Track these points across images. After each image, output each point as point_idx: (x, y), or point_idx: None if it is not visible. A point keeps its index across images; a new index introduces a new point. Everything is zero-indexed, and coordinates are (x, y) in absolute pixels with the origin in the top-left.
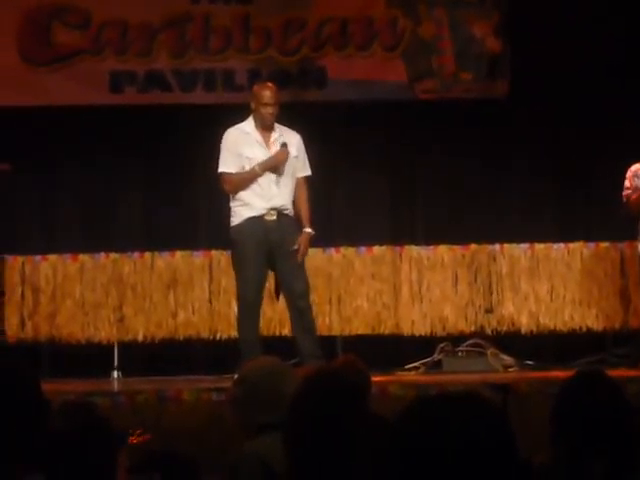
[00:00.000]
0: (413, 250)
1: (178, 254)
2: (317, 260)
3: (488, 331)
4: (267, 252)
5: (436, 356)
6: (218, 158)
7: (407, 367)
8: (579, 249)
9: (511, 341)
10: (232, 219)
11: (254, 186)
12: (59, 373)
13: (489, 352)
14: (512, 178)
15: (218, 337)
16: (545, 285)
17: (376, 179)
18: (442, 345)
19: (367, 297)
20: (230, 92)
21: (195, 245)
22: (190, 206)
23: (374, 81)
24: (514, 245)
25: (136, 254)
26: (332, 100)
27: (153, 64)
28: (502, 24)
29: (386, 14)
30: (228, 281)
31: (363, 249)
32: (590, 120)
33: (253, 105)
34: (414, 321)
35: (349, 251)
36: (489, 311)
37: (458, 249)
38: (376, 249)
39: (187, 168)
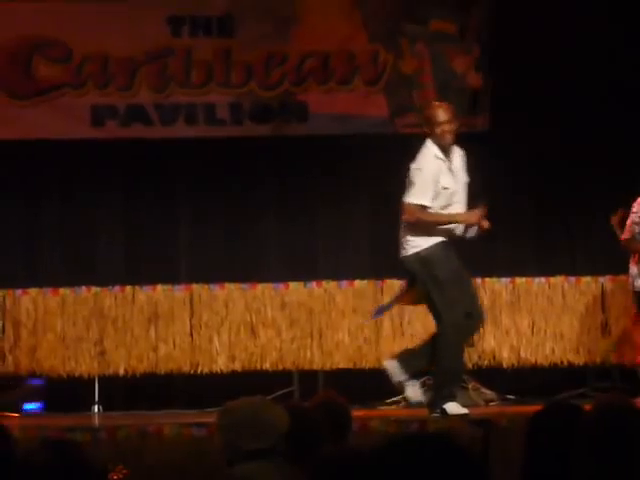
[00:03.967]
0: (395, 284)
1: (159, 288)
2: (299, 294)
3: (469, 365)
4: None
5: None
6: (411, 185)
7: (388, 401)
8: (560, 283)
9: (492, 375)
10: (409, 248)
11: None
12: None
13: (470, 386)
14: (493, 211)
15: (199, 371)
16: (526, 319)
17: (358, 212)
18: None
19: (348, 331)
20: (211, 126)
21: (176, 279)
22: (171, 240)
23: (355, 115)
24: (495, 279)
25: (117, 288)
26: (313, 134)
27: (134, 98)
28: (482, 59)
29: (367, 49)
30: (209, 315)
31: (344, 283)
32: (571, 153)
33: (428, 129)
34: None
35: (331, 285)
36: (470, 345)
37: None
38: (357, 283)
39: (168, 201)
